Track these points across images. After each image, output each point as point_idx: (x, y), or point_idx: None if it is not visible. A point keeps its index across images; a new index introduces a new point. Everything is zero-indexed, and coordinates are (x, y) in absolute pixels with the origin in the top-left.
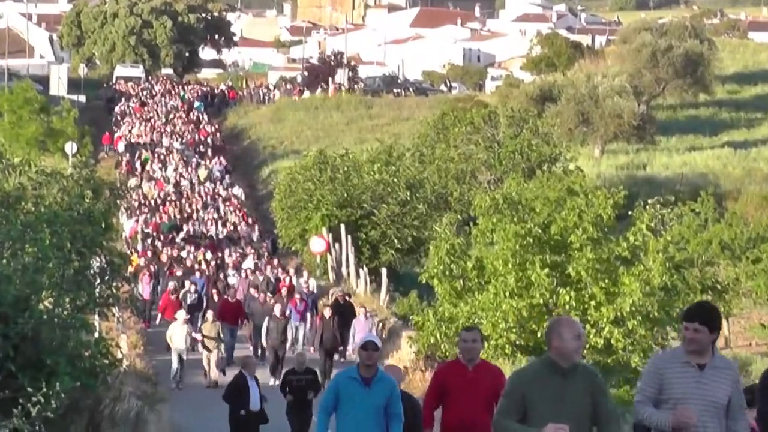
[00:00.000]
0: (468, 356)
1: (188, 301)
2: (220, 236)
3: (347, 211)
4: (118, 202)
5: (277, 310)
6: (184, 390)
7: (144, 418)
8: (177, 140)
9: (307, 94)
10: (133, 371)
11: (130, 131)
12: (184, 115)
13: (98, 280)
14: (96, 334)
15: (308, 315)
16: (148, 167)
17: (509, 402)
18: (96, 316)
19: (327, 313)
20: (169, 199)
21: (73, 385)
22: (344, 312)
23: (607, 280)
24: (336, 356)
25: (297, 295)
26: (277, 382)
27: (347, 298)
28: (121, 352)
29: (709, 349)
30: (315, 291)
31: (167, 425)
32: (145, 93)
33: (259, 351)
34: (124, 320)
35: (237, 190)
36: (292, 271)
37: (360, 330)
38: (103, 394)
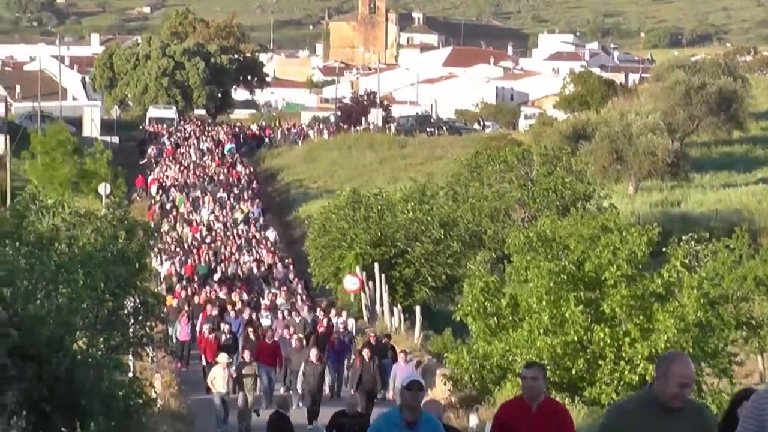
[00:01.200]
0: (530, 394)
1: (222, 342)
2: (255, 278)
3: (381, 249)
4: (151, 243)
5: (313, 354)
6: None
7: None
8: (210, 183)
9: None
10: (167, 411)
11: (164, 174)
12: (218, 158)
13: (132, 320)
14: (130, 374)
15: (344, 356)
16: (182, 210)
17: None
18: (130, 356)
19: (366, 354)
20: (204, 242)
21: (107, 425)
22: (382, 353)
23: (641, 317)
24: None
25: (334, 336)
26: (310, 427)
27: (384, 340)
28: (156, 392)
29: None
30: (353, 331)
31: None
32: (178, 134)
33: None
34: (158, 360)
35: (270, 233)
36: (333, 313)
37: (401, 374)
38: None
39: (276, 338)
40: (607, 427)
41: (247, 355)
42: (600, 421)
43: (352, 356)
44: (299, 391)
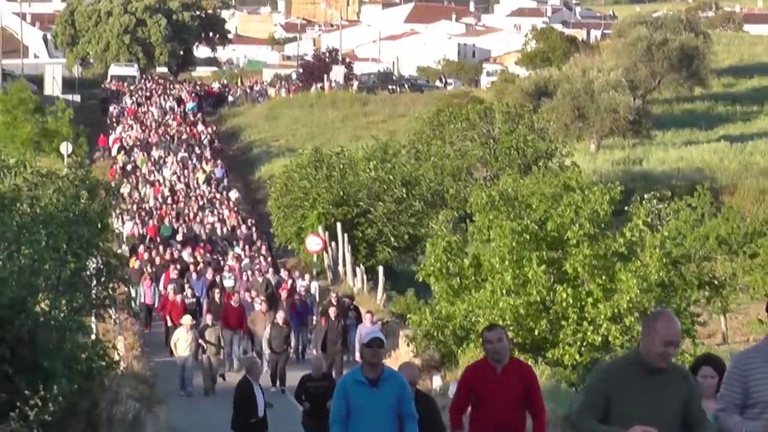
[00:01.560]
0: (495, 357)
1: (188, 307)
2: (218, 239)
3: (343, 209)
4: (113, 202)
5: (279, 317)
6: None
7: (141, 420)
8: (172, 142)
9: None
10: (130, 373)
11: (125, 134)
12: (179, 117)
13: (94, 282)
14: (93, 336)
15: (307, 318)
16: (144, 170)
17: (591, 399)
18: (93, 318)
19: (332, 313)
20: (166, 203)
21: (70, 387)
22: (344, 314)
23: (604, 277)
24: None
25: (296, 297)
26: (273, 389)
27: (347, 301)
28: (118, 353)
29: None
30: (316, 295)
31: (165, 427)
32: (139, 93)
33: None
34: (120, 322)
35: (233, 194)
36: (296, 274)
37: (366, 335)
38: (101, 396)
39: (233, 296)
40: (591, 390)
41: (209, 318)
42: (586, 383)
43: (314, 318)
44: (266, 353)
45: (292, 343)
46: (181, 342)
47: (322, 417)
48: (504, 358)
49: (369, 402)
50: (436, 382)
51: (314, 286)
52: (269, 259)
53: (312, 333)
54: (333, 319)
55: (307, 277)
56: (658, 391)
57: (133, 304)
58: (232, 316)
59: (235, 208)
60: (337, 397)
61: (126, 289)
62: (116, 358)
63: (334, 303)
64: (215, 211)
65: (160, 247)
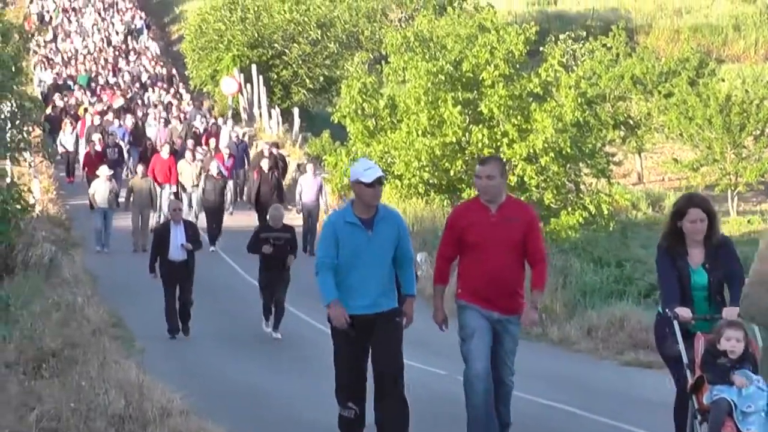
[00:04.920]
0: (486, 197)
1: (108, 156)
2: (137, 87)
3: (258, 51)
4: (29, 47)
5: (213, 168)
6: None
7: (58, 263)
8: None
9: None
10: (45, 216)
11: None
12: None
13: (9, 125)
14: (8, 180)
15: (239, 171)
16: (57, 20)
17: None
18: (7, 161)
19: (265, 166)
20: (84, 53)
21: None
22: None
23: (519, 117)
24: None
25: (225, 150)
26: (213, 249)
27: (275, 150)
28: (34, 197)
29: None
30: (246, 141)
31: (81, 270)
32: None
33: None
34: (36, 165)
35: (150, 44)
36: (220, 121)
37: (307, 188)
38: (16, 239)
39: (163, 147)
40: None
41: (140, 169)
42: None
43: (246, 168)
44: (195, 209)
45: (229, 197)
46: (99, 194)
47: (281, 271)
48: (496, 197)
49: (363, 246)
50: None
51: (240, 132)
52: (191, 102)
53: (245, 184)
54: (266, 171)
55: (230, 122)
56: None
57: (48, 148)
58: (163, 169)
59: (154, 58)
60: (326, 240)
61: (41, 132)
62: (31, 201)
63: (266, 155)
64: (134, 62)
65: (79, 95)
